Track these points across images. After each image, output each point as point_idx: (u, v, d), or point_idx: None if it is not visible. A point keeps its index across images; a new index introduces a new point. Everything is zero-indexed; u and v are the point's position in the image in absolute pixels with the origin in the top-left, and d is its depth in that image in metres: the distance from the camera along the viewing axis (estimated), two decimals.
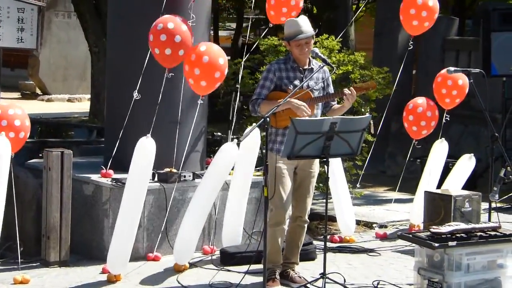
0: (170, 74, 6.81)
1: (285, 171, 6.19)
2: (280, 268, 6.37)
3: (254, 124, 5.91)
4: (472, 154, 8.31)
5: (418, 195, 8.31)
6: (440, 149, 8.35)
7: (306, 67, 6.28)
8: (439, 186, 8.37)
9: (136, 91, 6.80)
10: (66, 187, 6.77)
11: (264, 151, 6.00)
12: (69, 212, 6.80)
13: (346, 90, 6.16)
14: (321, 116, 6.32)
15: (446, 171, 8.54)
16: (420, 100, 8.31)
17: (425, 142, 8.72)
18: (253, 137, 6.75)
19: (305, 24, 6.21)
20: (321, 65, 6.25)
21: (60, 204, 6.73)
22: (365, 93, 8.08)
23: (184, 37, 6.68)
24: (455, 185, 8.15)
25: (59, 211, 6.73)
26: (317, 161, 6.33)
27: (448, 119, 8.31)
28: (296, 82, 6.21)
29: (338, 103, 6.53)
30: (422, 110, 8.17)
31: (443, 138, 8.37)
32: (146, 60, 6.89)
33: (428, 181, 8.30)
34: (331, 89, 6.39)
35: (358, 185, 8.85)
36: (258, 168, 7.79)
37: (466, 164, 8.28)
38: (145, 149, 6.39)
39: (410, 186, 8.69)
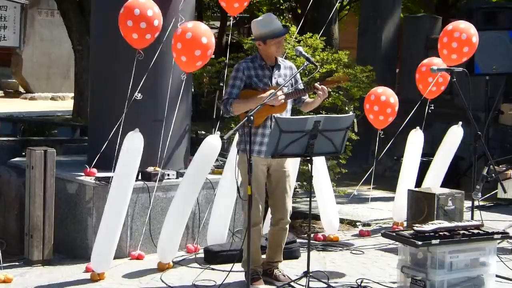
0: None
1: (257, 171, 6.10)
2: (261, 268, 6.37)
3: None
4: (461, 123, 8.33)
5: (398, 193, 8.34)
6: (415, 139, 8.36)
7: (273, 64, 6.27)
8: (418, 184, 8.38)
9: (137, 91, 6.84)
10: (49, 186, 6.75)
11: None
12: (52, 210, 6.78)
13: (317, 85, 6.12)
14: (294, 111, 6.27)
15: (425, 169, 8.55)
16: (380, 89, 8.32)
17: (404, 139, 8.74)
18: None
19: (277, 21, 6.19)
20: (305, 64, 6.23)
21: (43, 202, 6.71)
22: (341, 86, 8.05)
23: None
24: (445, 156, 8.25)
25: (42, 210, 6.71)
26: (289, 159, 6.31)
27: (433, 107, 8.29)
28: (265, 80, 6.19)
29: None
30: (386, 99, 8.19)
31: (418, 127, 8.37)
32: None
33: (405, 177, 8.33)
34: (300, 85, 6.37)
35: (360, 184, 8.88)
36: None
37: (455, 132, 8.33)
38: (133, 144, 6.37)
39: (394, 184, 8.72)
